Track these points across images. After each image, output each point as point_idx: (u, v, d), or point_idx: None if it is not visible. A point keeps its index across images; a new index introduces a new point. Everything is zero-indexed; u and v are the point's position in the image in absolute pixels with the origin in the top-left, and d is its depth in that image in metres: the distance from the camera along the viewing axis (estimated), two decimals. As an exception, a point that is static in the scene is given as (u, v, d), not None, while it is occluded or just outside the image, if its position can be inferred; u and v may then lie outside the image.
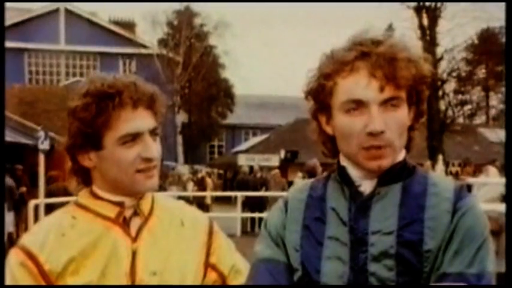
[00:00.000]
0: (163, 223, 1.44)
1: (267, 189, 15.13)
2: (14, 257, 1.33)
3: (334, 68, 1.23)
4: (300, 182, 1.44)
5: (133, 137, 1.34)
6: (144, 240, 1.39)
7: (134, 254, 1.36)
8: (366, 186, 1.25)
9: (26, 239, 1.37)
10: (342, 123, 1.23)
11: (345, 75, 1.22)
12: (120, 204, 1.39)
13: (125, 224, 1.39)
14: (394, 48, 1.21)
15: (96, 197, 1.40)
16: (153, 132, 1.38)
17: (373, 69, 1.19)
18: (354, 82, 1.20)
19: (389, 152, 1.21)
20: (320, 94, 1.26)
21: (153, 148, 1.36)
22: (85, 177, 1.42)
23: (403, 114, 1.22)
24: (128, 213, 1.39)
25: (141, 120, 1.35)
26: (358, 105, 1.20)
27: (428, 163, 14.55)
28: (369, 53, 1.21)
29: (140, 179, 1.36)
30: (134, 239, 1.38)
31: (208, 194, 17.04)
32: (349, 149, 1.24)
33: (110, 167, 1.36)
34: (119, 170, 1.35)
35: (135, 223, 1.40)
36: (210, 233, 1.51)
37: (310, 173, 8.43)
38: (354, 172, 1.26)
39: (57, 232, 1.36)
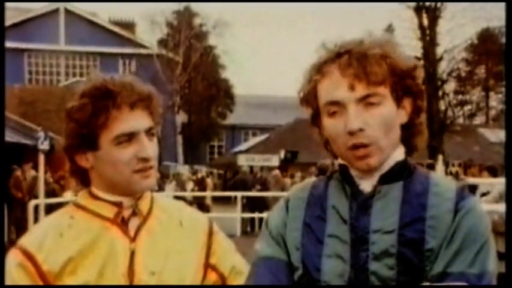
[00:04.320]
0: (162, 223, 1.44)
1: (264, 190, 15.07)
2: (12, 258, 1.33)
3: (312, 73, 1.26)
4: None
5: (129, 137, 1.34)
6: (143, 240, 1.38)
7: (132, 254, 1.36)
8: (367, 185, 1.25)
9: (24, 240, 1.37)
10: (327, 126, 1.25)
11: (320, 79, 1.24)
12: (118, 205, 1.39)
13: (123, 224, 1.38)
14: (366, 46, 1.22)
15: (94, 197, 1.40)
16: (149, 132, 1.37)
17: (342, 69, 1.21)
18: (328, 85, 1.23)
19: (375, 150, 1.21)
20: (309, 100, 1.29)
21: (149, 148, 1.36)
22: (83, 178, 1.42)
23: (386, 111, 1.21)
24: (126, 213, 1.39)
25: (136, 120, 1.35)
26: (337, 106, 1.21)
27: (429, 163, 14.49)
28: (340, 54, 1.23)
29: (137, 179, 1.35)
30: (133, 239, 1.38)
31: (209, 194, 17.03)
32: (337, 150, 1.26)
33: (106, 167, 1.36)
34: (115, 170, 1.35)
35: (134, 223, 1.40)
36: (210, 234, 1.50)
37: (323, 171, 8.39)
38: (354, 171, 1.27)
39: (55, 232, 1.35)
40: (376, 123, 1.20)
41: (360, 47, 1.22)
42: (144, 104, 1.37)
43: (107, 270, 1.33)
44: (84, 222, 1.37)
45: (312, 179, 1.40)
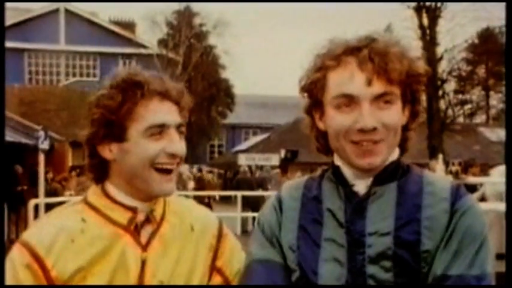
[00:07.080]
0: (173, 229, 1.39)
1: (264, 189, 15.02)
2: (18, 256, 1.27)
3: (324, 62, 1.23)
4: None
5: (160, 130, 1.29)
6: (155, 249, 1.34)
7: (143, 263, 1.32)
8: (361, 186, 1.24)
9: (31, 237, 1.30)
10: (333, 118, 1.21)
11: (334, 69, 1.21)
12: (132, 209, 1.34)
13: (135, 231, 1.34)
14: (387, 43, 1.20)
15: (107, 197, 1.35)
16: (179, 129, 1.34)
17: (361, 63, 1.18)
18: (343, 76, 1.19)
19: (382, 148, 1.19)
20: (313, 89, 1.25)
21: (179, 144, 1.32)
22: (101, 172, 1.36)
23: (396, 112, 1.20)
24: (139, 218, 1.34)
25: (168, 113, 1.31)
26: (349, 100, 1.19)
27: (433, 162, 14.41)
28: (359, 48, 1.20)
29: (158, 178, 1.30)
30: (144, 248, 1.34)
31: (209, 193, 17.00)
32: (339, 144, 1.22)
33: (131, 159, 1.30)
34: (140, 163, 1.29)
35: (147, 230, 1.35)
36: (219, 236, 1.47)
37: None
38: (348, 172, 1.25)
39: (67, 236, 1.30)
40: (387, 124, 1.18)
41: (378, 43, 1.20)
42: (174, 98, 1.34)
43: (117, 279, 1.29)
44: (96, 228, 1.32)
45: (303, 178, 1.38)
